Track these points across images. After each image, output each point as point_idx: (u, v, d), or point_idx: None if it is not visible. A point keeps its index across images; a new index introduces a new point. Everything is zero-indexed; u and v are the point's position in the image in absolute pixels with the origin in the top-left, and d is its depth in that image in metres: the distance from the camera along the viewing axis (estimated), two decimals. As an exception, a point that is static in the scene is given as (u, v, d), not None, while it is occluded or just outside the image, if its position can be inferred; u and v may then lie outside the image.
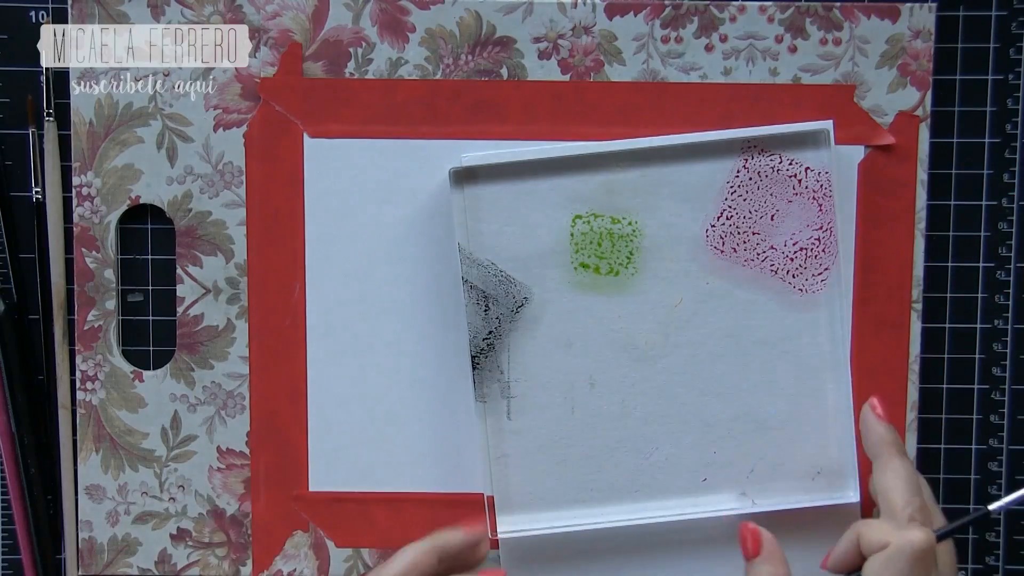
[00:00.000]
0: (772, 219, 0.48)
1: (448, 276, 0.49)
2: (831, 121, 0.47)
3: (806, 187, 0.47)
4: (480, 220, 0.47)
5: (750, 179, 0.48)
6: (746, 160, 0.47)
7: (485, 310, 0.47)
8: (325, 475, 0.50)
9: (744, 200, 0.48)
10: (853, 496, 0.48)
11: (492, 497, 0.48)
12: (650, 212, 0.47)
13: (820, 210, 0.47)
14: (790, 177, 0.47)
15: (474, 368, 0.47)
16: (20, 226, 0.50)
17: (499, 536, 0.48)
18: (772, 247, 0.48)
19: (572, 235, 0.48)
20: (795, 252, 0.48)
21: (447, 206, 0.48)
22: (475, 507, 0.49)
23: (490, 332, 0.47)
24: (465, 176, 0.47)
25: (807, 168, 0.47)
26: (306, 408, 0.49)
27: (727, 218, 0.48)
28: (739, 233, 0.48)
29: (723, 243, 0.48)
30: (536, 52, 0.48)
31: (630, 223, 0.48)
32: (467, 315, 0.47)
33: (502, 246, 0.48)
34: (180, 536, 0.50)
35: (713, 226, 0.48)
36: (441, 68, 0.48)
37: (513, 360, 0.48)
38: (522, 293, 0.47)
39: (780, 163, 0.47)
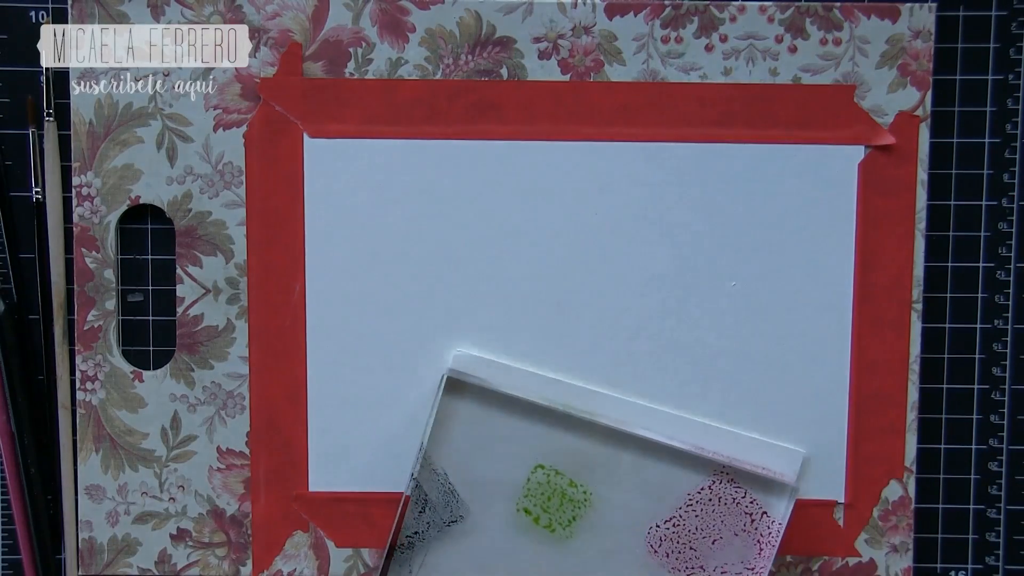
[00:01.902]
0: (713, 543, 0.48)
1: (448, 275, 0.49)
2: (798, 486, 0.48)
3: (756, 528, 0.48)
4: (449, 430, 0.48)
5: (710, 500, 0.48)
6: (714, 482, 0.48)
7: (420, 511, 0.48)
8: (325, 475, 0.50)
9: (696, 516, 0.48)
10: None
11: None
12: (607, 489, 0.48)
13: (759, 553, 0.48)
14: (746, 513, 0.48)
15: (388, 555, 0.48)
16: (20, 226, 0.50)
17: None
18: (701, 567, 0.48)
19: (528, 480, 0.48)
20: None
21: (447, 206, 0.48)
22: (475, 507, 0.49)
23: (415, 532, 0.48)
24: (454, 385, 0.47)
25: (764, 512, 0.48)
26: (306, 408, 0.49)
27: (674, 525, 0.48)
28: (679, 542, 0.49)
29: (660, 544, 0.49)
30: (536, 52, 0.48)
31: (585, 492, 0.48)
32: (405, 508, 0.48)
33: (460, 463, 0.48)
34: (180, 536, 0.50)
35: (658, 526, 0.48)
36: (441, 68, 0.48)
37: (426, 566, 0.48)
38: (459, 511, 0.48)
39: (743, 497, 0.48)
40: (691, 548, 0.48)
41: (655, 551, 0.48)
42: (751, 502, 0.48)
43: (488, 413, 0.48)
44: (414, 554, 0.48)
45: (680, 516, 0.48)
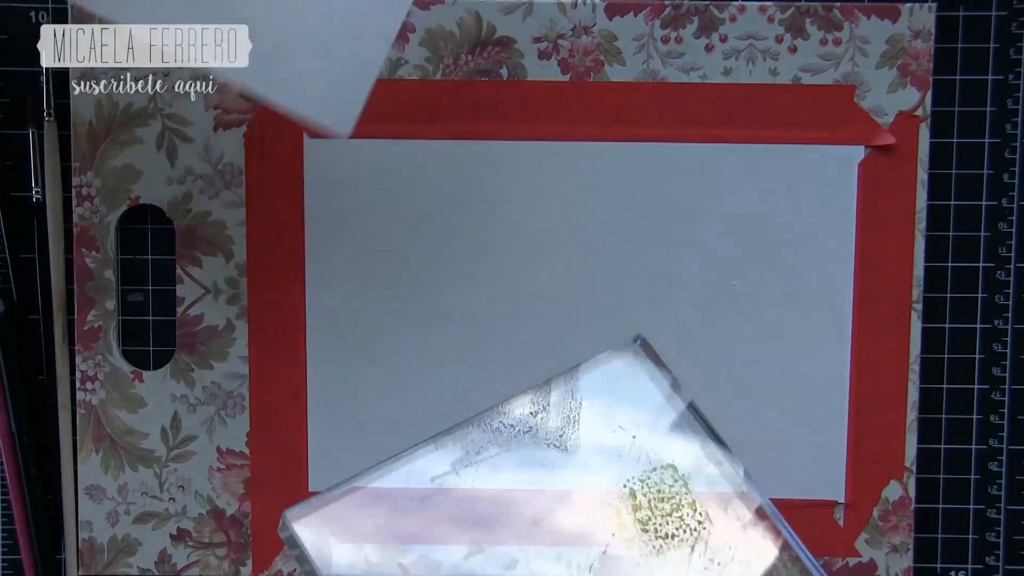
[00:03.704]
0: None
1: (448, 275, 0.49)
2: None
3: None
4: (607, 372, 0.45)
5: None
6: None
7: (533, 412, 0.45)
8: (325, 475, 0.50)
9: None
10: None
11: None
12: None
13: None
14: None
15: None
16: (20, 226, 0.50)
17: None
18: None
19: (656, 470, 0.44)
20: None
21: (447, 206, 0.48)
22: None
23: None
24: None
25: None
26: (306, 408, 0.49)
27: None
28: None
29: None
30: (536, 52, 0.48)
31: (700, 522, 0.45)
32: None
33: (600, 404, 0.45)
34: (180, 536, 0.50)
35: None
36: (441, 68, 0.48)
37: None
38: (569, 438, 0.45)
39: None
40: None
41: None
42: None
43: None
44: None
45: None
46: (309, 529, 0.42)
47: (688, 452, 0.45)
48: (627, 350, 0.45)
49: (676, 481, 0.44)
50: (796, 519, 0.49)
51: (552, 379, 0.44)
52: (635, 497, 0.44)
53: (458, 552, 0.43)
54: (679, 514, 0.44)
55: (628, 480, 0.44)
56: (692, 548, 0.44)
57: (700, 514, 0.44)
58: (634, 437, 0.45)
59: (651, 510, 0.44)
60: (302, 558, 0.41)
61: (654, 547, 0.44)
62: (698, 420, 0.45)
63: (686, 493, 0.45)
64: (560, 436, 0.44)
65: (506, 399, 0.44)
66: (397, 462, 0.43)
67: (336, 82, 0.40)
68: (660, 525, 0.44)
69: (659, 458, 0.44)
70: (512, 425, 0.44)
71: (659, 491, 0.44)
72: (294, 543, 0.41)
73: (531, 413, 0.44)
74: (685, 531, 0.44)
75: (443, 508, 0.43)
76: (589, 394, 0.44)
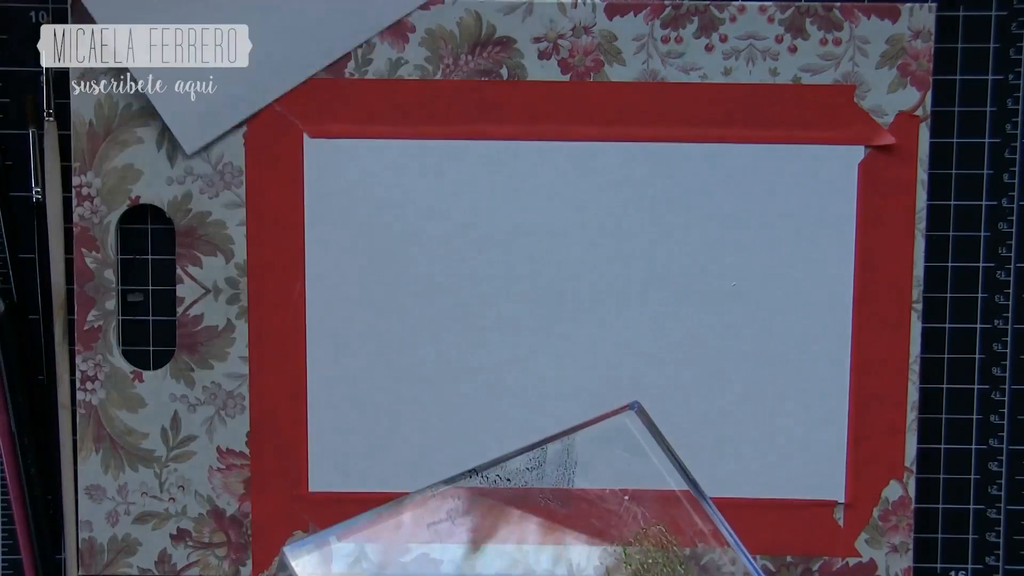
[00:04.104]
0: None
1: (448, 275, 0.49)
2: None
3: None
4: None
5: None
6: None
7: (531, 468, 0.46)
8: (325, 475, 0.50)
9: None
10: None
11: None
12: None
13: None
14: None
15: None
16: (20, 226, 0.50)
17: None
18: None
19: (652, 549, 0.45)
20: None
21: (447, 206, 0.48)
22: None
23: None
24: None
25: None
26: (306, 408, 0.49)
27: None
28: None
29: None
30: (536, 52, 0.48)
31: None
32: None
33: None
34: (180, 536, 0.50)
35: None
36: (441, 68, 0.48)
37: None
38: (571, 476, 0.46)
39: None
40: None
41: None
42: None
43: None
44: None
45: None
46: (308, 568, 0.42)
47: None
48: (623, 416, 0.46)
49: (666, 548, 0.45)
50: (796, 519, 0.49)
51: (549, 438, 0.46)
52: (627, 559, 0.45)
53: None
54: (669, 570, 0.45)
55: (620, 545, 0.45)
56: None
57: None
58: (627, 498, 0.45)
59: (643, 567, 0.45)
60: None
61: None
62: (691, 487, 0.45)
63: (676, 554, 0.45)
64: (553, 492, 0.45)
65: (505, 456, 0.45)
66: (397, 507, 0.44)
67: (206, 112, 0.47)
68: None
69: (649, 520, 0.45)
70: (508, 479, 0.45)
71: (648, 555, 0.45)
72: None
73: (527, 468, 0.45)
74: None
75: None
76: (584, 455, 0.45)
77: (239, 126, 0.48)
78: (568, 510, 0.45)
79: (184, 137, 0.47)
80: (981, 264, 0.50)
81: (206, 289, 0.49)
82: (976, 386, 0.51)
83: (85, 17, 0.48)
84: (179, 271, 0.49)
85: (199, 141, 0.48)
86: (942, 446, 0.51)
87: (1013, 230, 0.50)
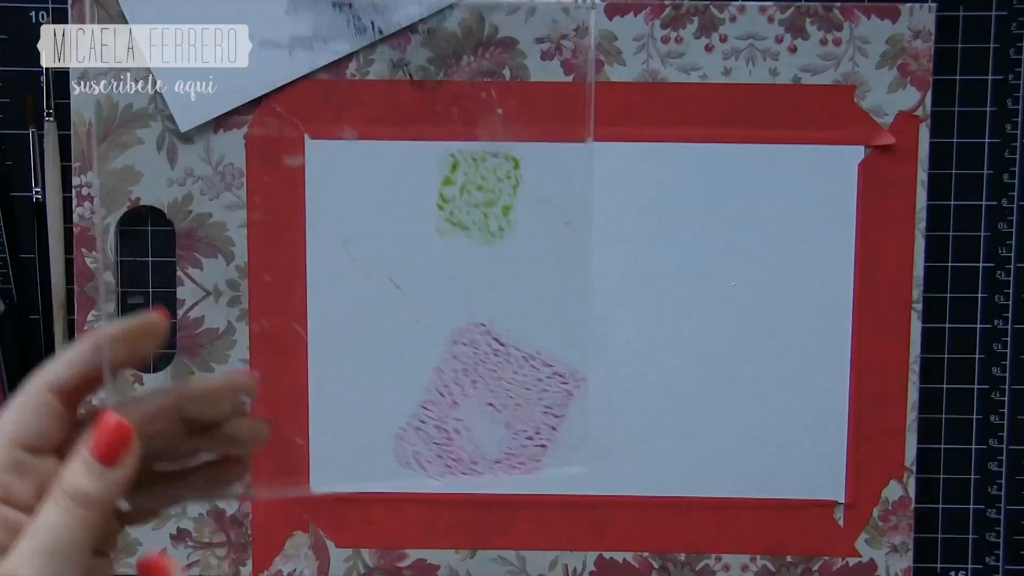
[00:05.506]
0: None
1: (448, 275, 0.49)
2: None
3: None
4: None
5: None
6: None
7: None
8: (325, 475, 0.50)
9: None
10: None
11: None
12: None
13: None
14: None
15: None
16: (20, 226, 0.50)
17: None
18: None
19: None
20: None
21: (448, 206, 0.48)
22: (475, 507, 0.49)
23: None
24: None
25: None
26: (306, 408, 0.49)
27: None
28: None
29: None
30: (539, 53, 0.48)
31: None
32: None
33: None
34: (180, 536, 0.50)
35: None
36: (443, 69, 0.48)
37: None
38: None
39: None
40: None
41: None
42: None
43: None
44: None
45: None
46: None
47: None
48: None
49: (508, 178, 0.40)
50: (796, 519, 0.49)
51: None
52: (455, 169, 0.40)
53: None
54: (484, 211, 0.40)
55: (458, 151, 0.40)
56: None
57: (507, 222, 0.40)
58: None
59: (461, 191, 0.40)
60: None
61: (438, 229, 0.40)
62: None
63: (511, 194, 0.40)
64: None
65: None
66: None
67: (206, 95, 0.48)
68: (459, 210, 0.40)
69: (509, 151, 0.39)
70: None
71: (482, 177, 0.40)
72: None
73: None
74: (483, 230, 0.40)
75: None
76: None
77: (238, 116, 0.48)
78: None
79: (180, 117, 0.48)
80: (981, 264, 0.50)
81: (207, 291, 0.49)
82: (976, 386, 0.51)
83: (110, 17, 0.48)
84: (179, 273, 0.49)
85: (190, 123, 0.48)
86: (942, 446, 0.51)
87: (1013, 230, 0.50)
